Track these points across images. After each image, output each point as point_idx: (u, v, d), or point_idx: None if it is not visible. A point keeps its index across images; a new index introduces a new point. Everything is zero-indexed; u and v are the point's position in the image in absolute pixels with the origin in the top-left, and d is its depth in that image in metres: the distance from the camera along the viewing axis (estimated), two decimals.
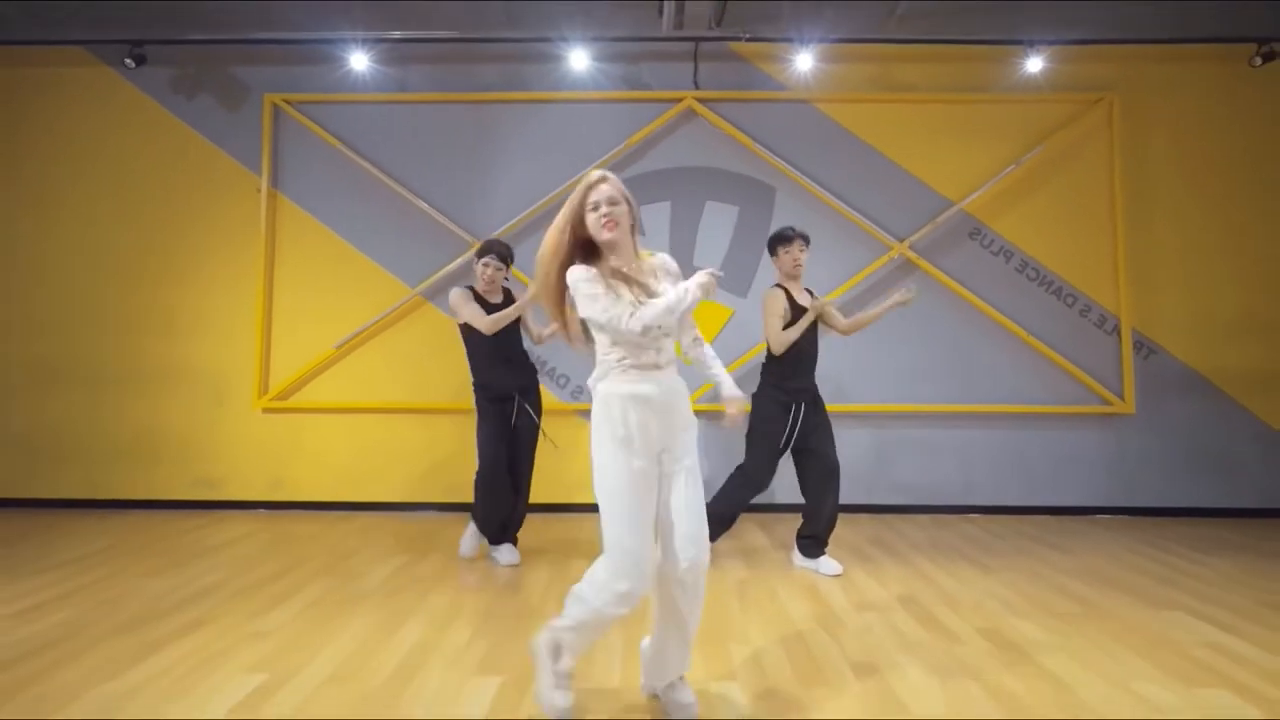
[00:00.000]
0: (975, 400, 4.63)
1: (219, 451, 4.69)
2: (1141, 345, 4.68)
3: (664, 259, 2.03)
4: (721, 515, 3.32)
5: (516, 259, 4.68)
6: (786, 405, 3.28)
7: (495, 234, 4.73)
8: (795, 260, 3.28)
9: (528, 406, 3.46)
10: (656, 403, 1.89)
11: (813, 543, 3.38)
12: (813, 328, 3.35)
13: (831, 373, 4.62)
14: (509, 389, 3.43)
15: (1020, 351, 4.66)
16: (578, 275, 1.87)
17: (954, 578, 3.26)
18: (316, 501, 4.63)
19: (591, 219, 1.90)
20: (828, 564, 3.33)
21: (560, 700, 1.88)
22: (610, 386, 1.91)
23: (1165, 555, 3.66)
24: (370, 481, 4.67)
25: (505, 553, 3.45)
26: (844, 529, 4.16)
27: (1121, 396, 4.59)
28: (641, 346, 1.90)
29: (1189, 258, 4.71)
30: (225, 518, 4.44)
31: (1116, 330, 4.66)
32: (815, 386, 3.38)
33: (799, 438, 3.29)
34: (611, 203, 1.89)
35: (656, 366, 1.92)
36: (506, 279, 3.56)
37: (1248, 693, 2.10)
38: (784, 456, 3.35)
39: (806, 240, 3.32)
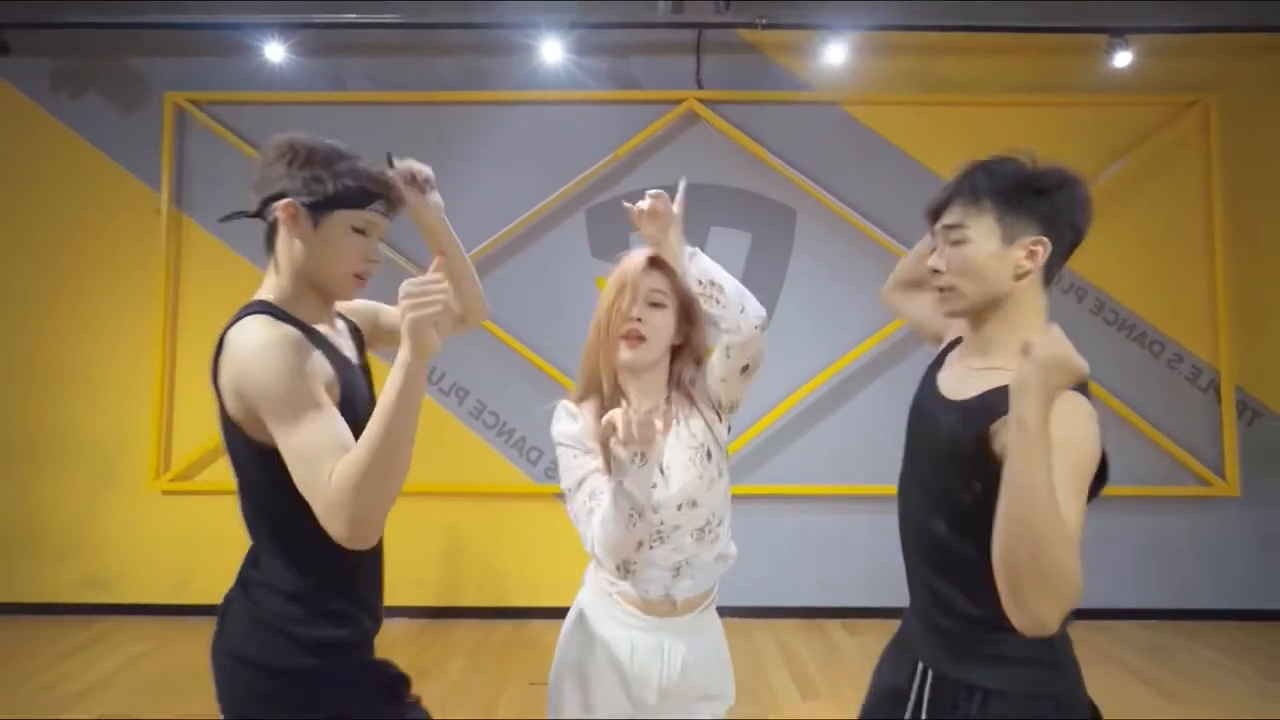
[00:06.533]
0: None
1: (109, 543, 3.85)
2: (1246, 407, 3.89)
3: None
4: None
5: (490, 304, 3.82)
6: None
7: None
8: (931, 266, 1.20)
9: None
10: (646, 668, 1.25)
11: None
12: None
13: (864, 439, 3.80)
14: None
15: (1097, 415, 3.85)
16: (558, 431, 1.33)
17: None
18: None
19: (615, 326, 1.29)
20: None
21: None
22: (592, 605, 1.31)
23: None
24: None
25: None
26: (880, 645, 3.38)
27: (1222, 475, 3.79)
28: (646, 562, 1.22)
29: None
30: (117, 627, 3.64)
31: (1215, 387, 3.86)
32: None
33: None
34: (653, 303, 1.28)
35: (667, 606, 1.27)
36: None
37: None
38: None
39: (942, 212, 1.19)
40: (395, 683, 1.23)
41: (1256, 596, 3.78)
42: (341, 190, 1.12)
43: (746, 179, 4.02)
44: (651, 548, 1.23)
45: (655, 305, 1.27)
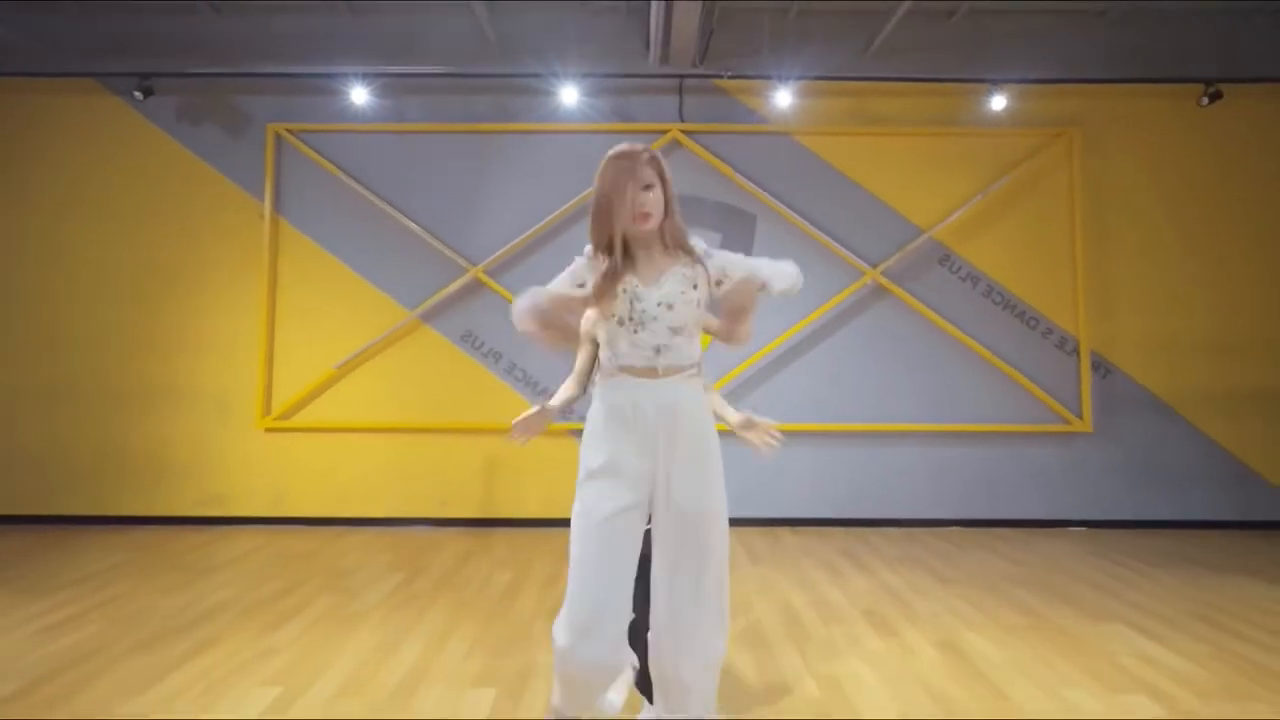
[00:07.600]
0: (944, 419, 4.90)
1: (223, 469, 4.88)
2: (1099, 365, 4.96)
3: (698, 243, 1.77)
4: None
5: (510, 284, 4.95)
6: None
7: (489, 260, 4.96)
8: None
9: None
10: (646, 415, 1.68)
11: None
12: None
13: (808, 391, 4.90)
14: None
15: (986, 372, 4.93)
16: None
17: (916, 591, 3.51)
18: (317, 517, 4.84)
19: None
20: None
21: None
22: (598, 393, 1.77)
23: (1114, 568, 3.93)
24: (367, 498, 4.89)
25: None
26: (817, 541, 4.44)
27: (1080, 415, 4.87)
28: (632, 344, 1.69)
29: (1143, 283, 5.00)
30: (230, 533, 4.64)
31: (1075, 351, 4.94)
32: None
33: None
34: (646, 186, 1.66)
35: (652, 371, 1.70)
36: None
37: (1163, 697, 2.36)
38: None
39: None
40: None
41: (1102, 509, 4.85)
42: None
43: (718, 192, 5.03)
44: (635, 332, 1.68)
45: (648, 188, 1.65)
